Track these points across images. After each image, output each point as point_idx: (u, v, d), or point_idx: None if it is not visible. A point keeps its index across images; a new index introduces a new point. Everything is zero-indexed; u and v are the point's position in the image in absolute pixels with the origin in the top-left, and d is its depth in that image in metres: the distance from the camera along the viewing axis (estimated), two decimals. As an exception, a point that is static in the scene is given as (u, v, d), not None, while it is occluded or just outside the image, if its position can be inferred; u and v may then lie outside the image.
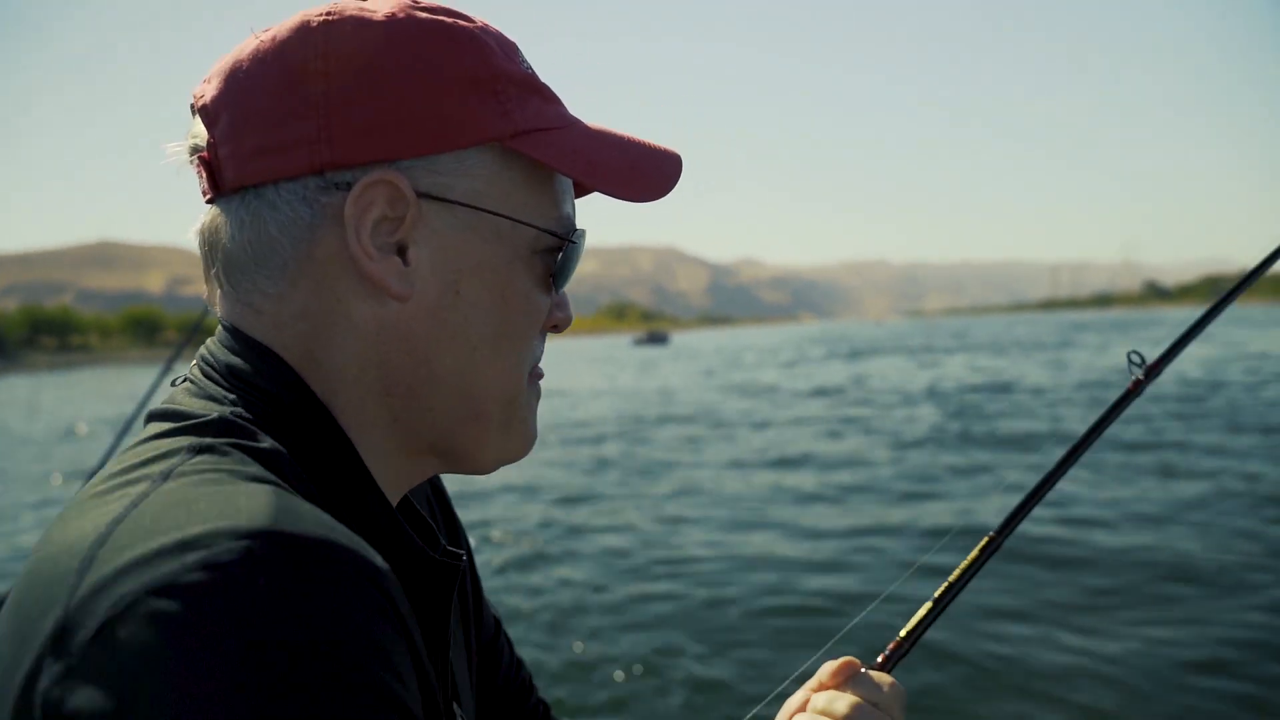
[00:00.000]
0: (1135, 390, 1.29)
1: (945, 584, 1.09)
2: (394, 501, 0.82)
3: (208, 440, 0.67)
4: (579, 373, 45.95)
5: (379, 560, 0.59)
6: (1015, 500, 1.18)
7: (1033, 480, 1.20)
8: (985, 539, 1.14)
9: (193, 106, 0.78)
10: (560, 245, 0.82)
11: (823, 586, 6.73)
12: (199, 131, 0.77)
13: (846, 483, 11.03)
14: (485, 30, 0.79)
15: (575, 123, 0.83)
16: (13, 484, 14.90)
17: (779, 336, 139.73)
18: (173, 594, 0.51)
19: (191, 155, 0.78)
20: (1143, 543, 7.38)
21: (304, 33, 0.74)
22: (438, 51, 0.75)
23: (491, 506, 10.66)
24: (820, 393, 25.60)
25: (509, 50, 0.80)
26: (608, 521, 9.76)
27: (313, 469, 0.73)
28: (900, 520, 8.73)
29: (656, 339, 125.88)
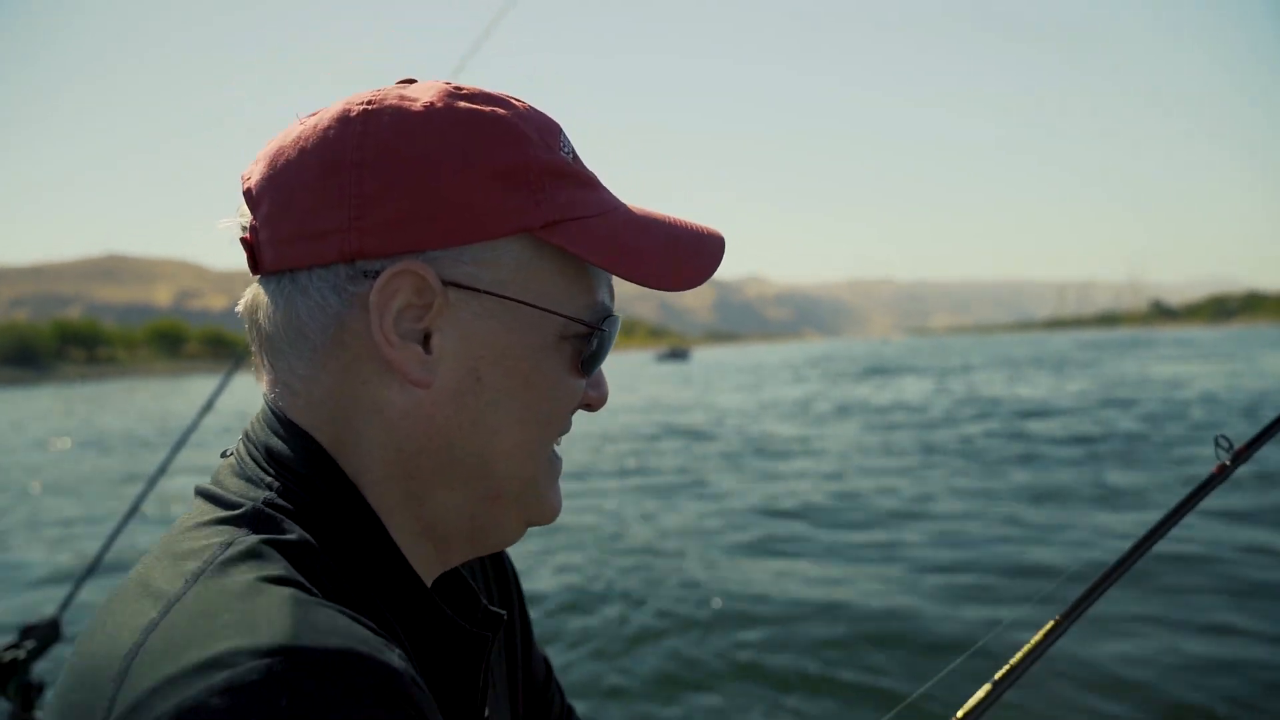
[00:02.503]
0: (1220, 475, 1.25)
1: (1006, 667, 1.09)
2: (429, 577, 0.85)
3: (239, 537, 0.70)
4: (637, 386, 46.91)
5: (398, 663, 0.61)
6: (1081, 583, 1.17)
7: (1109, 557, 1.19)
8: (1050, 624, 1.13)
9: (243, 191, 0.81)
10: (589, 333, 0.83)
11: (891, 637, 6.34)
12: (246, 212, 0.80)
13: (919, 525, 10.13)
14: (524, 117, 0.80)
15: (614, 209, 0.84)
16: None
17: (791, 354, 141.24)
18: (200, 717, 0.54)
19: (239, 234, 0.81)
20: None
21: (344, 122, 0.75)
22: (471, 143, 0.76)
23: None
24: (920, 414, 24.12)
25: (548, 135, 0.80)
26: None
27: (345, 554, 0.75)
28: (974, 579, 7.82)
29: (678, 355, 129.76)
